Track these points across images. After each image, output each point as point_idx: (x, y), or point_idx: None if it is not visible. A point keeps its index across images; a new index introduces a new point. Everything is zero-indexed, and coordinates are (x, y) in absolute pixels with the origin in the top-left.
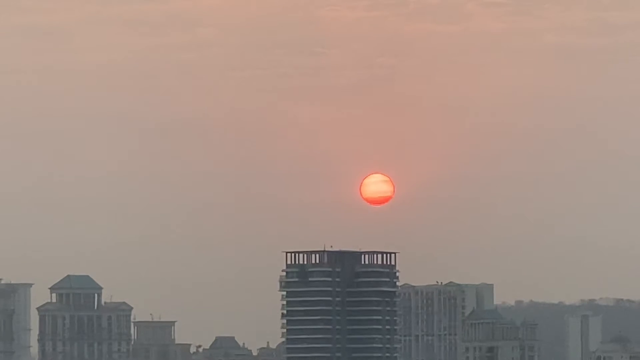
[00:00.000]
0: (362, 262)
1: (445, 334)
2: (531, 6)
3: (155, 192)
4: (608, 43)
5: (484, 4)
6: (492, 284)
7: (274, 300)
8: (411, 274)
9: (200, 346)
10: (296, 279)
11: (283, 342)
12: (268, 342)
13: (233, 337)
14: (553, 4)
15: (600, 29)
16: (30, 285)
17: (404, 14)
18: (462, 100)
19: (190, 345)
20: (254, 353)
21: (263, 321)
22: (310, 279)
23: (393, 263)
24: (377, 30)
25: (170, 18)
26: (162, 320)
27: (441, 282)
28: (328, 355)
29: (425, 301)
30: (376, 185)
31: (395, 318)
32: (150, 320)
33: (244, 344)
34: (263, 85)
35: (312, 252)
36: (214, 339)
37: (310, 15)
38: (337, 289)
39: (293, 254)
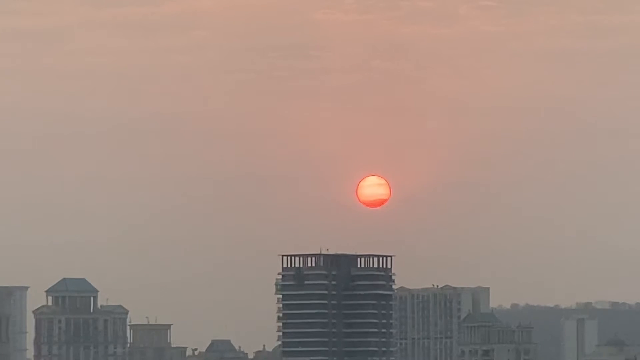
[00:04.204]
0: (358, 265)
1: (441, 337)
2: (524, 9)
3: (151, 194)
4: (601, 46)
5: (477, 7)
6: (488, 287)
7: (270, 304)
8: (407, 277)
9: (196, 349)
10: (292, 282)
11: (279, 345)
12: (264, 346)
13: (229, 341)
14: (546, 7)
15: (592, 32)
16: (26, 288)
17: (397, 17)
18: (456, 103)
19: (186, 348)
20: (250, 356)
21: (259, 324)
22: (306, 282)
23: (389, 266)
24: (371, 33)
25: (165, 21)
26: (158, 323)
27: (437, 286)
28: (324, 358)
29: (421, 304)
30: (372, 188)
31: (391, 321)
32: (146, 323)
33: (239, 347)
34: (258, 88)
35: (308, 255)
36: (209, 342)
37: (304, 18)
38: (333, 292)
39: (289, 257)
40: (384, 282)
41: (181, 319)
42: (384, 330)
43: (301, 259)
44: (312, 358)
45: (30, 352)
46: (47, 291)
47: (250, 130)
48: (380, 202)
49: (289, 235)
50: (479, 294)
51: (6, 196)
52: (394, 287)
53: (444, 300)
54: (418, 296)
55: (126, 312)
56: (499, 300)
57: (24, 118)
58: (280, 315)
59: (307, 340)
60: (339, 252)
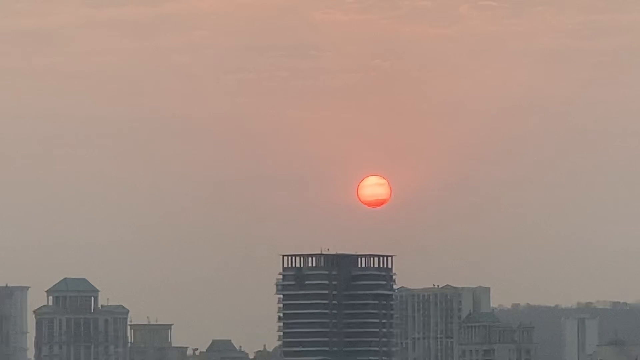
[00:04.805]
0: (359, 265)
1: (441, 337)
2: (524, 9)
3: (152, 194)
4: (601, 46)
5: (477, 7)
6: (488, 287)
7: (271, 303)
8: (408, 277)
9: (196, 349)
10: (293, 282)
11: (280, 345)
12: (265, 345)
13: (229, 340)
14: (546, 6)
15: (592, 32)
16: (26, 288)
17: (397, 17)
18: (457, 102)
19: (187, 348)
20: (251, 356)
21: (260, 324)
22: (306, 282)
23: (390, 266)
24: (371, 33)
25: (165, 21)
26: (158, 323)
27: (438, 285)
28: (325, 358)
29: (421, 304)
30: (373, 188)
31: (391, 321)
32: (147, 323)
33: (240, 347)
34: (258, 88)
35: (308, 255)
36: (210, 342)
37: (304, 18)
38: (334, 292)
39: (290, 257)
40: (384, 282)
41: (182, 319)
42: (384, 330)
43: (302, 259)
44: (312, 358)
45: (31, 352)
46: (47, 291)
47: (250, 130)
48: (381, 202)
49: (289, 235)
50: (480, 294)
51: (6, 196)
52: (394, 287)
53: (444, 300)
54: (419, 296)
55: (127, 312)
56: (499, 300)
57: (24, 118)
58: (281, 315)
59: (308, 340)
60: (340, 252)
